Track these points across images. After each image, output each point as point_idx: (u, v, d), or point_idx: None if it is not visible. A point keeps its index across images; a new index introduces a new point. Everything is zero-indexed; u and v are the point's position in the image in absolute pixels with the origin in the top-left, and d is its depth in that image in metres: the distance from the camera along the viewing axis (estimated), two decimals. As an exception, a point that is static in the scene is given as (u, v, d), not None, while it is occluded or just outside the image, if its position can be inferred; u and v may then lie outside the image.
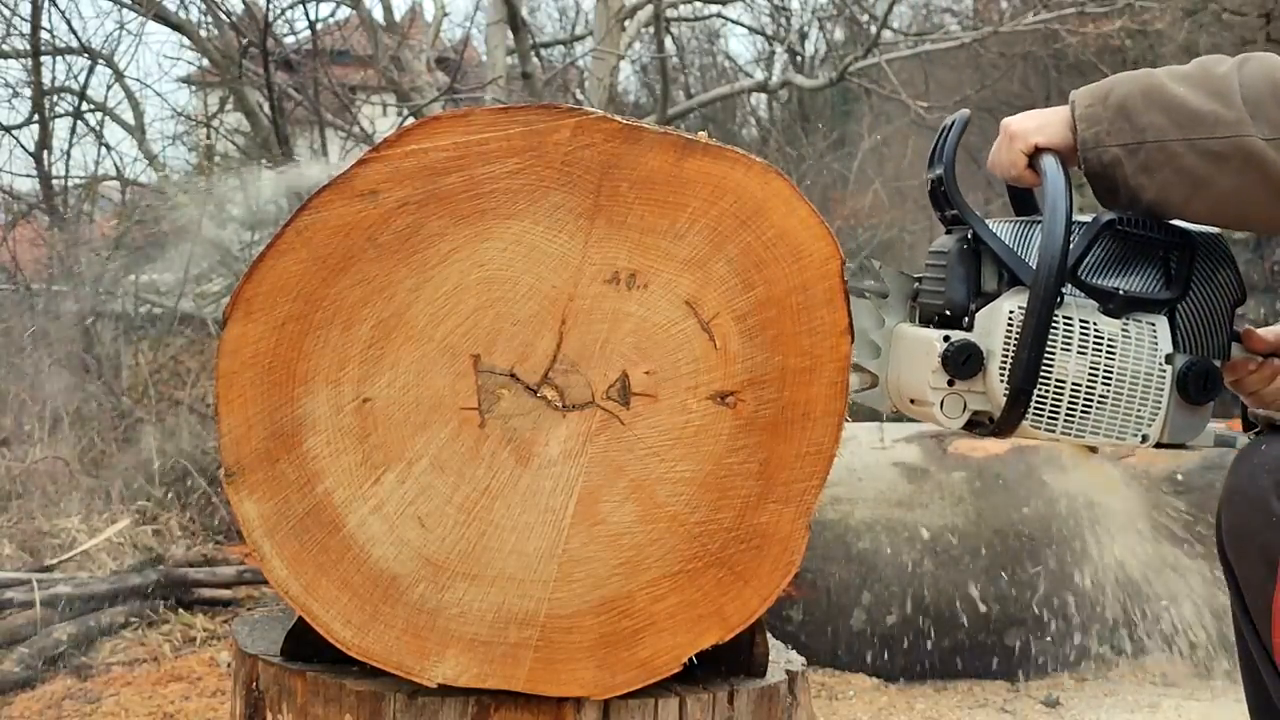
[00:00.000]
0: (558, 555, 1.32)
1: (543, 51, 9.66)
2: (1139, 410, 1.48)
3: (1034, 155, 1.50)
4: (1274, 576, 1.33)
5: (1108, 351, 1.46)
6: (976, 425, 1.50)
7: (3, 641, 3.64)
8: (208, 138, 7.67)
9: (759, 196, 1.31)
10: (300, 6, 6.88)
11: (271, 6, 6.47)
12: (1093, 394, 1.46)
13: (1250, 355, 1.54)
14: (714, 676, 1.43)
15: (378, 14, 7.55)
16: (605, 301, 1.31)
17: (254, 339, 1.28)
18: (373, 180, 1.27)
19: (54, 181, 6.85)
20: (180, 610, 4.09)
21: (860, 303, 1.52)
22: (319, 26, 7.04)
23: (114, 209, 7.22)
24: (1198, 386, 1.48)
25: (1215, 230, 1.52)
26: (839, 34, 13.53)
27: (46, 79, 6.86)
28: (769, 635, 1.49)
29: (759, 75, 12.13)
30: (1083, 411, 1.46)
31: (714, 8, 11.22)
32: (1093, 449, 1.54)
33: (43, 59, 6.71)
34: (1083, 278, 1.47)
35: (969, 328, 1.46)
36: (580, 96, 9.19)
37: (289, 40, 7.21)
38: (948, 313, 1.48)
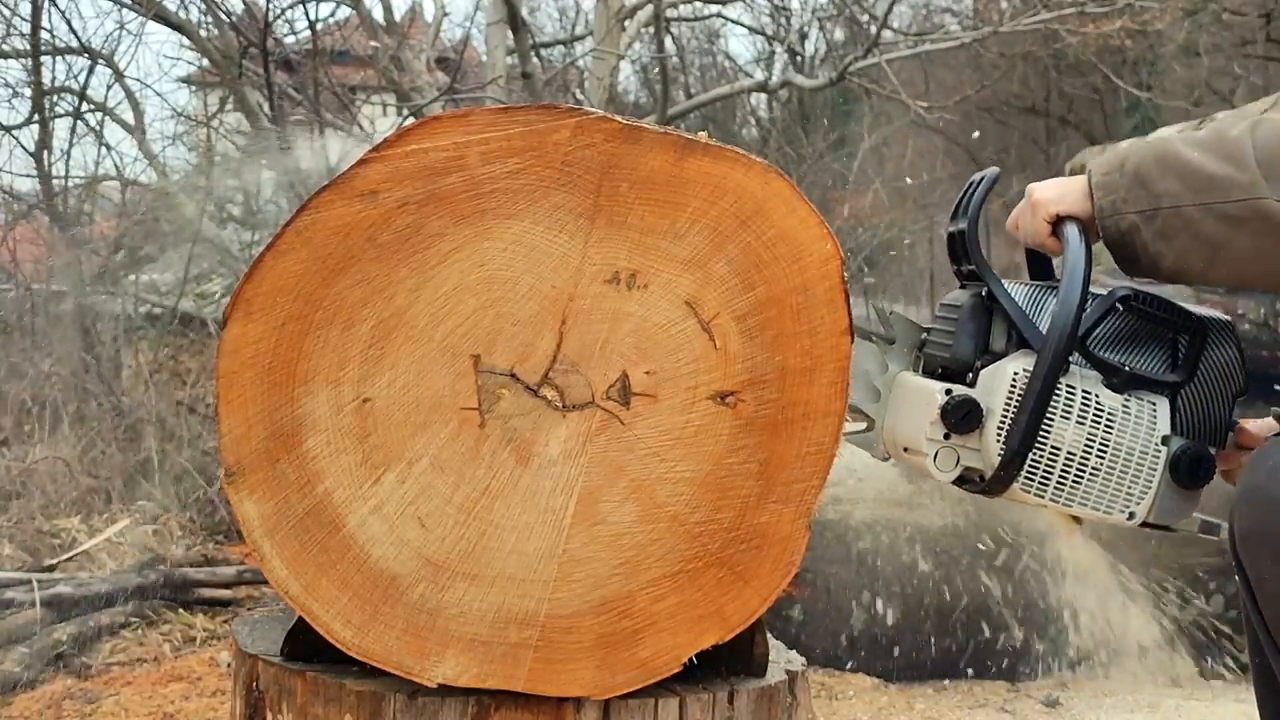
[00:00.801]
0: (558, 555, 1.32)
1: (543, 51, 9.67)
2: (1130, 487, 1.48)
3: (1057, 223, 1.50)
4: None
5: (1106, 425, 1.46)
6: (967, 481, 1.49)
7: (3, 641, 3.64)
8: (208, 138, 7.67)
9: (759, 196, 1.31)
10: (300, 6, 6.88)
11: (271, 6, 6.47)
12: (1086, 465, 1.46)
13: (1241, 449, 1.55)
14: (714, 676, 1.43)
15: (378, 14, 7.56)
16: (605, 301, 1.31)
17: (254, 339, 1.28)
18: (373, 180, 1.27)
19: (54, 181, 6.85)
20: (180, 610, 4.08)
21: (866, 345, 1.52)
22: (319, 26, 7.04)
23: (114, 209, 7.22)
24: (1190, 471, 1.48)
25: (1227, 318, 1.53)
26: (839, 34, 13.53)
27: (46, 79, 6.86)
28: (769, 635, 1.49)
29: (759, 75, 12.13)
30: (1074, 481, 1.46)
31: (714, 8, 11.22)
32: (1078, 520, 1.54)
33: (43, 59, 6.71)
34: (1091, 349, 1.47)
35: (971, 384, 1.46)
36: (580, 96, 9.19)
37: (289, 40, 7.21)
38: (952, 366, 1.48)
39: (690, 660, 1.35)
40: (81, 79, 6.97)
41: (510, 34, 7.27)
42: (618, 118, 1.30)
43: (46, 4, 6.61)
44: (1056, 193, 1.50)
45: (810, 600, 3.70)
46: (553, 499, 1.32)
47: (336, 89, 6.84)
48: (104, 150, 7.07)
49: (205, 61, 7.40)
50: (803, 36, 13.35)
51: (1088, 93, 16.83)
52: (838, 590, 3.74)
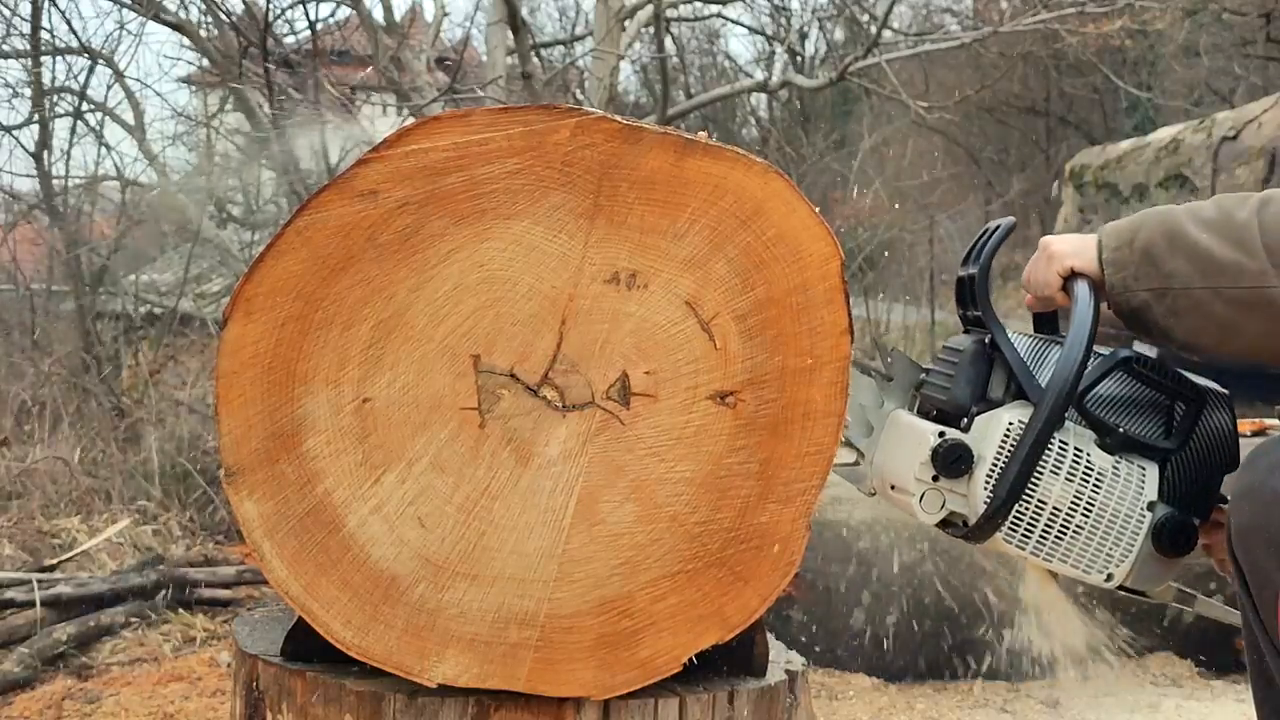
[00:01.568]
0: (558, 555, 1.32)
1: (543, 51, 9.67)
2: (1111, 549, 1.48)
3: (1069, 278, 1.51)
4: None
5: (1095, 485, 1.46)
6: (950, 525, 1.50)
7: (3, 641, 3.64)
8: (208, 138, 7.67)
9: (759, 196, 1.31)
10: (300, 6, 6.88)
11: (271, 6, 6.47)
12: (1070, 522, 1.46)
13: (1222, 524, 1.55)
14: (714, 676, 1.43)
15: (378, 14, 7.56)
16: (605, 301, 1.31)
17: (254, 339, 1.28)
18: (373, 180, 1.27)
19: (54, 181, 6.86)
20: (180, 610, 4.08)
21: (864, 380, 1.52)
22: (319, 26, 7.03)
23: (114, 209, 7.22)
24: (1172, 540, 1.48)
25: (1225, 391, 1.53)
26: (839, 34, 13.54)
27: (46, 79, 6.86)
28: (769, 635, 1.49)
29: (759, 75, 12.14)
30: (1056, 537, 1.46)
31: (714, 8, 11.22)
32: (1054, 575, 1.54)
33: (43, 59, 6.71)
34: (1088, 407, 1.47)
35: (965, 429, 1.46)
36: (580, 96, 9.19)
37: (289, 40, 7.21)
38: (948, 410, 1.49)
39: (690, 660, 1.35)
40: (81, 79, 6.98)
41: (510, 34, 7.27)
42: (617, 118, 1.30)
43: (46, 4, 6.62)
44: (1071, 248, 1.51)
45: (810, 600, 3.70)
46: (552, 499, 1.32)
47: (336, 89, 6.84)
48: (104, 150, 7.08)
49: (205, 61, 7.40)
50: (803, 36, 13.35)
51: (1088, 93, 16.83)
52: (838, 590, 3.74)
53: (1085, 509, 1.45)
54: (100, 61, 6.88)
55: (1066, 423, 1.45)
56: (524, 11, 7.89)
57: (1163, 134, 6.55)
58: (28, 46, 6.68)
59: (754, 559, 1.35)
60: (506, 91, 7.15)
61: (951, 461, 1.43)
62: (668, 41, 9.26)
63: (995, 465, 1.42)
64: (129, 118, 7.22)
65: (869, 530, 3.78)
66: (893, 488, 1.49)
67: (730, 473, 1.34)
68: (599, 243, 1.30)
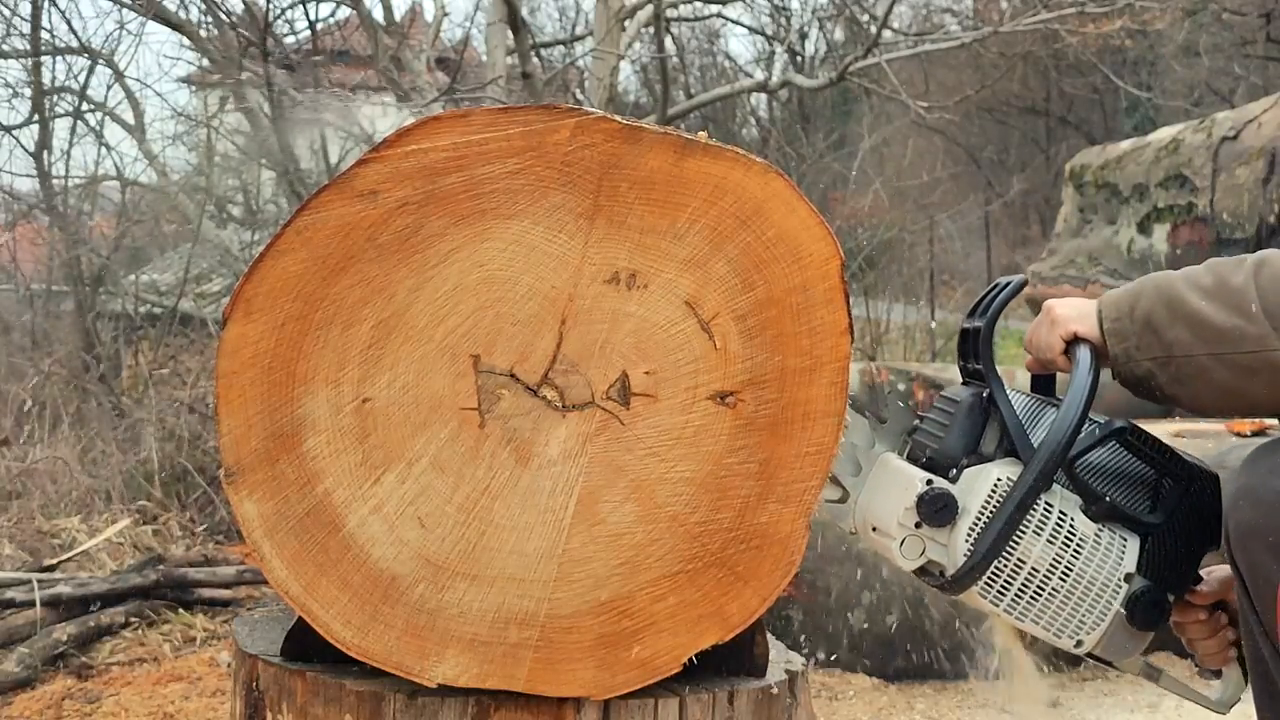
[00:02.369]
0: (558, 555, 1.32)
1: (543, 51, 9.67)
2: (1084, 616, 1.48)
3: (1071, 342, 1.52)
4: None
5: (1075, 550, 1.46)
6: (927, 574, 1.50)
7: (3, 641, 3.64)
8: (208, 138, 7.67)
9: (759, 196, 1.31)
10: (300, 6, 6.88)
11: (271, 6, 6.47)
12: (1046, 585, 1.46)
13: (1195, 605, 1.57)
14: (714, 676, 1.42)
15: (378, 14, 7.56)
16: (605, 302, 1.31)
17: (254, 339, 1.28)
18: (372, 180, 1.27)
19: (54, 181, 6.86)
20: (180, 610, 4.08)
21: (858, 419, 1.52)
22: (319, 26, 7.04)
23: (114, 209, 7.23)
24: (1145, 614, 1.49)
25: (1215, 473, 1.54)
26: (839, 34, 13.55)
27: (46, 79, 6.86)
28: (769, 635, 1.49)
29: (759, 75, 12.14)
30: (1031, 597, 1.47)
31: (714, 8, 11.22)
32: (1023, 636, 1.54)
33: (43, 59, 6.71)
34: (1077, 472, 1.48)
35: (953, 480, 1.47)
36: (580, 96, 9.19)
37: (289, 40, 7.21)
38: (938, 459, 1.49)
39: (690, 660, 1.35)
40: (81, 79, 6.99)
41: (510, 34, 7.27)
42: (617, 118, 1.30)
43: (46, 4, 6.62)
44: (1075, 312, 1.52)
45: (810, 600, 3.70)
46: (552, 499, 1.32)
47: (336, 89, 6.84)
48: (104, 150, 7.08)
49: (205, 61, 7.40)
50: (803, 36, 13.36)
51: (1088, 93, 16.84)
52: (838, 590, 3.74)
53: (1063, 573, 1.46)
54: (100, 61, 6.89)
55: (1054, 486, 1.47)
56: (524, 11, 7.89)
57: (1163, 134, 6.55)
58: (28, 46, 6.68)
59: (754, 559, 1.35)
60: (506, 91, 7.16)
61: (936, 510, 1.43)
62: (668, 41, 9.27)
63: (979, 519, 1.43)
64: (129, 118, 7.23)
65: (869, 530, 3.77)
66: (874, 529, 1.49)
67: (730, 473, 1.34)
68: (599, 243, 1.30)
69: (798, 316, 1.33)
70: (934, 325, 11.50)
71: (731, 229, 1.31)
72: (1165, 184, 5.98)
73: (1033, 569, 1.45)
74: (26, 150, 6.78)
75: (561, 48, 11.68)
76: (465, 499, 1.30)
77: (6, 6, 6.66)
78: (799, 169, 11.37)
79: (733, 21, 14.42)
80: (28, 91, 6.77)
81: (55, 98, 6.97)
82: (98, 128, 7.10)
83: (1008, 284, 1.55)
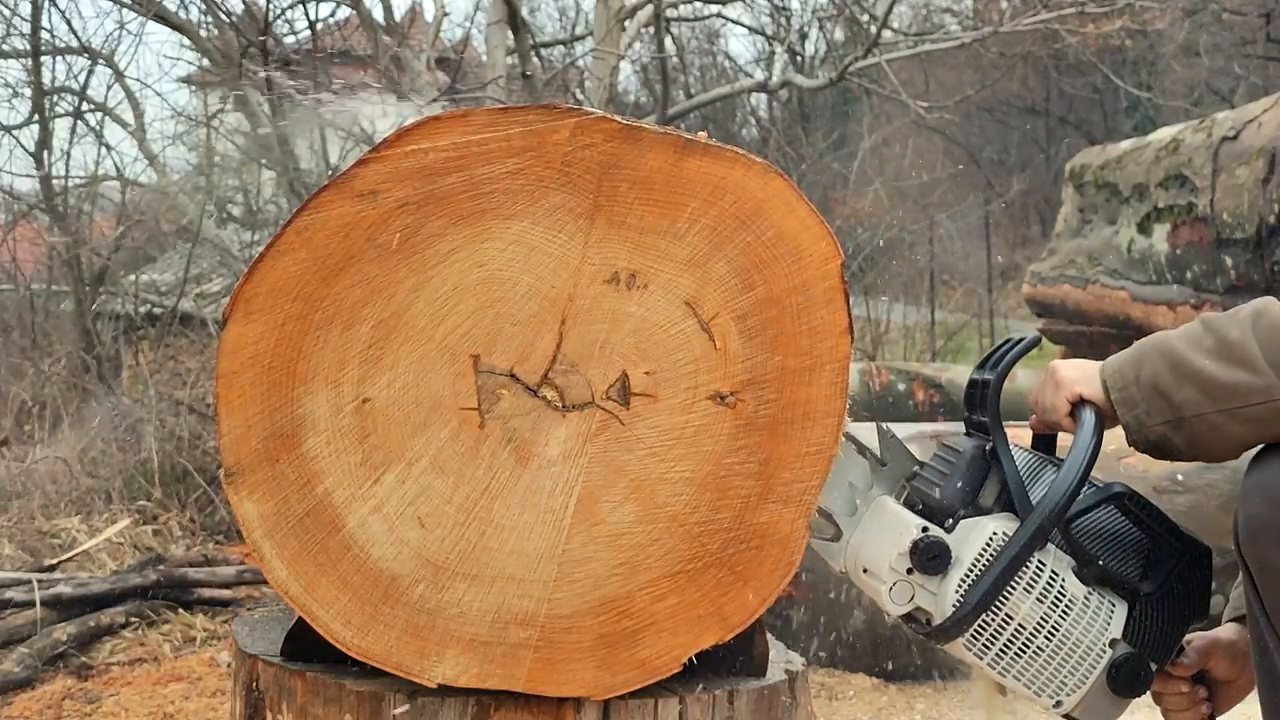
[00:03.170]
0: (557, 555, 1.32)
1: (543, 51, 9.67)
2: (1065, 677, 1.49)
3: (1077, 404, 1.52)
4: None
5: (1063, 611, 1.47)
6: (914, 621, 1.51)
7: (3, 641, 3.64)
8: (208, 138, 7.68)
9: (758, 196, 1.31)
10: (300, 6, 6.89)
11: (271, 6, 6.48)
12: (1031, 642, 1.47)
13: (1176, 676, 1.58)
14: (714, 676, 1.43)
15: (378, 14, 7.56)
16: (605, 302, 1.31)
17: (254, 339, 1.28)
18: (372, 180, 1.27)
19: (54, 181, 6.86)
20: (180, 610, 4.08)
21: (858, 460, 1.53)
22: (319, 26, 7.04)
23: (114, 209, 7.23)
24: (1126, 680, 1.50)
25: (1209, 547, 1.56)
26: (839, 34, 13.55)
27: (46, 79, 6.87)
28: (769, 635, 1.49)
29: (759, 75, 12.14)
30: (1016, 653, 1.47)
31: (714, 8, 11.22)
32: (1003, 690, 1.54)
33: (43, 59, 6.72)
34: (1072, 533, 1.49)
35: (949, 529, 1.47)
36: (580, 96, 9.19)
37: (289, 40, 7.21)
38: (935, 507, 1.50)
39: (690, 660, 1.35)
40: (81, 79, 7.00)
41: (510, 34, 7.27)
42: (617, 118, 1.30)
43: (46, 4, 6.63)
44: (1080, 374, 1.53)
45: (810, 600, 3.71)
46: (552, 499, 1.32)
47: (336, 89, 6.84)
48: (104, 150, 7.09)
49: (205, 61, 7.41)
50: (803, 36, 13.36)
51: (1088, 93, 16.85)
52: (838, 590, 3.74)
53: (1049, 632, 1.47)
54: (100, 61, 6.89)
55: (1049, 545, 1.47)
56: (524, 11, 7.89)
57: (1163, 134, 6.55)
58: (28, 46, 6.68)
59: (754, 559, 1.35)
60: (506, 91, 7.16)
61: (929, 558, 1.44)
62: (668, 41, 9.27)
63: (971, 571, 1.44)
64: (129, 118, 7.23)
65: (869, 530, 3.77)
66: (865, 570, 1.50)
67: (730, 473, 1.34)
68: (599, 243, 1.30)
69: (797, 316, 1.33)
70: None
71: (731, 229, 1.31)
72: (1165, 184, 5.98)
73: (1020, 625, 1.46)
74: (26, 150, 6.79)
75: (561, 48, 11.68)
76: (465, 499, 1.30)
77: (6, 6, 6.67)
78: (799, 169, 11.38)
79: (733, 21, 14.42)
80: (28, 91, 6.77)
81: (55, 98, 6.98)
82: (98, 128, 7.11)
83: (1020, 340, 1.56)
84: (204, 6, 6.76)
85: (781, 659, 1.52)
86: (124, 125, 7.21)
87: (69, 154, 6.97)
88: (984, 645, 1.47)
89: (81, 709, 3.26)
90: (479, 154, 1.28)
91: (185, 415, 5.52)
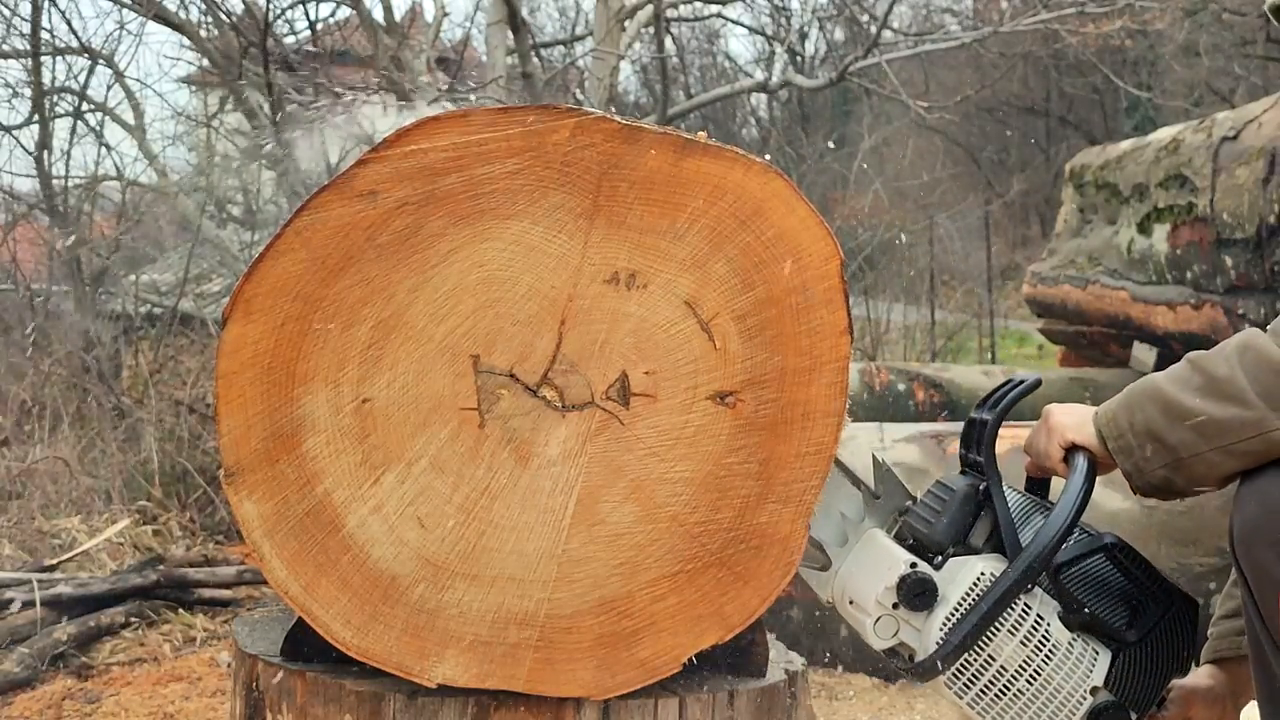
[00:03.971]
0: (557, 555, 1.32)
1: (543, 51, 9.67)
2: None
3: (1070, 450, 1.54)
4: None
5: (1047, 655, 1.47)
6: (896, 655, 1.52)
7: (3, 641, 3.64)
8: (208, 138, 7.68)
9: (758, 196, 1.31)
10: (300, 6, 6.89)
11: (271, 6, 6.47)
12: (1012, 685, 1.47)
13: None
14: (714, 676, 1.43)
15: (378, 14, 7.55)
16: (605, 301, 1.31)
17: (253, 339, 1.28)
18: (372, 180, 1.27)
19: (54, 181, 6.86)
20: (180, 610, 4.08)
21: (852, 492, 1.53)
22: (319, 26, 7.04)
23: (114, 209, 7.23)
24: None
25: (1198, 601, 1.57)
26: (839, 34, 13.56)
27: (46, 79, 6.86)
28: (769, 635, 1.49)
29: (759, 75, 12.13)
30: (996, 695, 1.48)
31: (714, 8, 11.22)
32: None
33: (43, 59, 6.71)
34: (1060, 579, 1.49)
35: (937, 567, 1.48)
36: (580, 96, 9.19)
37: (289, 40, 7.21)
38: (925, 544, 1.51)
39: (690, 660, 1.35)
40: (81, 79, 6.99)
41: (510, 34, 7.27)
42: (617, 118, 1.30)
43: (46, 4, 6.62)
44: (1074, 421, 1.54)
45: (810, 600, 3.70)
46: (552, 499, 1.32)
47: (336, 89, 6.84)
48: (104, 150, 7.08)
49: (205, 61, 7.40)
50: (803, 36, 13.36)
51: (1088, 93, 16.84)
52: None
53: (1030, 676, 1.47)
54: (100, 61, 6.88)
55: (1035, 589, 1.48)
56: (524, 11, 7.90)
57: (1163, 134, 6.54)
58: (28, 46, 6.68)
59: (754, 559, 1.35)
60: (506, 91, 7.16)
61: (916, 594, 1.44)
62: (668, 41, 9.27)
63: (956, 610, 1.44)
64: (129, 118, 7.22)
65: (869, 530, 3.77)
66: (851, 602, 1.50)
67: (730, 473, 1.34)
68: (598, 243, 1.30)
69: (797, 316, 1.33)
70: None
71: (731, 229, 1.31)
72: (1165, 184, 5.98)
73: (1001, 668, 1.46)
74: (26, 150, 6.78)
75: (561, 48, 11.69)
76: (465, 499, 1.30)
77: (6, 6, 6.66)
78: (799, 169, 11.38)
79: (733, 21, 14.42)
80: (28, 91, 6.77)
81: (55, 98, 6.97)
82: (98, 128, 7.10)
83: (1021, 381, 1.57)
84: (204, 6, 6.76)
85: (781, 659, 1.52)
86: (124, 125, 7.21)
87: (69, 154, 6.97)
88: (964, 685, 1.47)
89: (81, 709, 3.26)
90: (478, 154, 1.28)
91: (185, 415, 5.51)
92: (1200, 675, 1.63)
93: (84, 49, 6.81)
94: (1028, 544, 1.44)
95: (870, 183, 13.21)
